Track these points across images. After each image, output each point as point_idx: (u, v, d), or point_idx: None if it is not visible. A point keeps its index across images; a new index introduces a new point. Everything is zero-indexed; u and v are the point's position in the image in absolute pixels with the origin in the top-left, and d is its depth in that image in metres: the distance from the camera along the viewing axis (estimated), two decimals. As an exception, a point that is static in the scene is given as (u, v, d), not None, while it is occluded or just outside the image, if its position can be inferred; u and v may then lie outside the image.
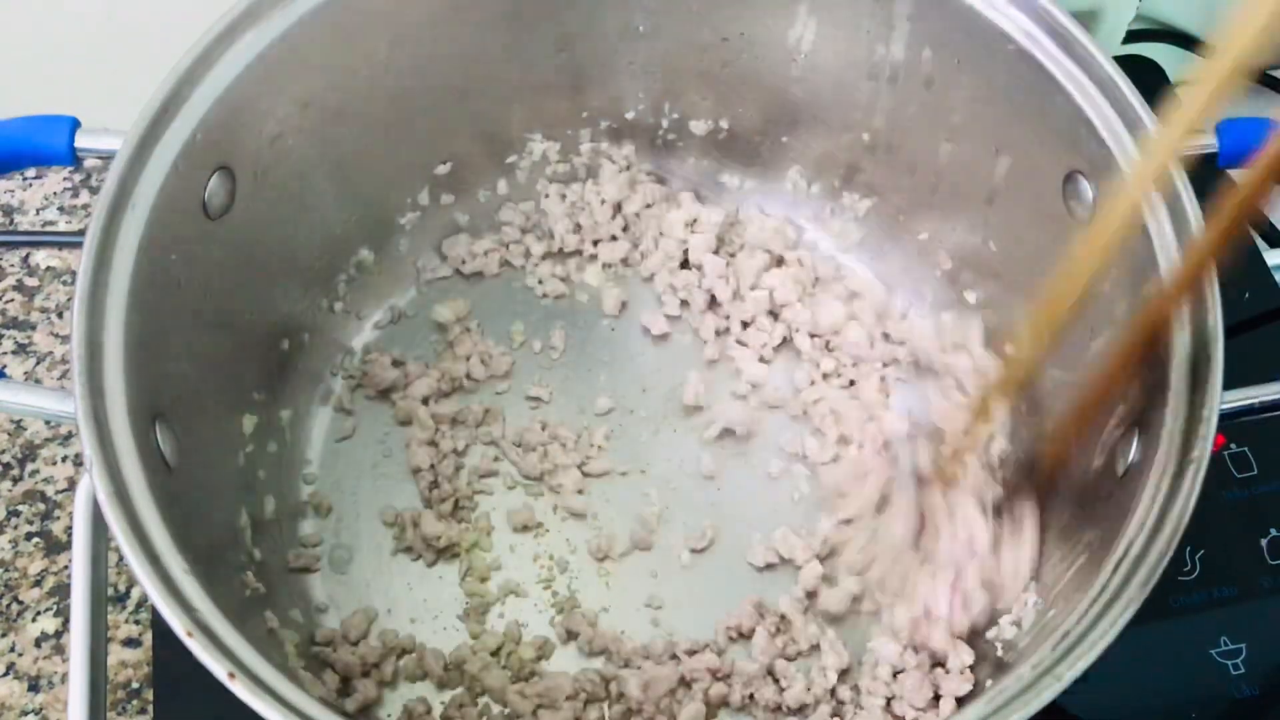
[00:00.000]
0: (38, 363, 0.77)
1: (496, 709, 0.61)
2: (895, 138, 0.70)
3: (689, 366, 0.72)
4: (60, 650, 0.67)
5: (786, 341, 0.73)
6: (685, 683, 0.62)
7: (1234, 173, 0.53)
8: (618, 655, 0.63)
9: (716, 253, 0.74)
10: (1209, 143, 0.59)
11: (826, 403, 0.71)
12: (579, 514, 0.67)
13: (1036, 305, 0.55)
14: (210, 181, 0.57)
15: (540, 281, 0.75)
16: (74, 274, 0.61)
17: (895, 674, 0.61)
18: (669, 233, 0.75)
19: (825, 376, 0.71)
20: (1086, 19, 0.80)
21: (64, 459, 0.73)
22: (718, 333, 0.73)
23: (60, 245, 0.80)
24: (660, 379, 0.72)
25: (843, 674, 0.62)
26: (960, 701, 0.60)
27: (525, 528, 0.67)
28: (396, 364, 0.71)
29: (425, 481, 0.68)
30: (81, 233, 0.52)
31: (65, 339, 0.77)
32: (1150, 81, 0.84)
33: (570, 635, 0.64)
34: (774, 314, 0.73)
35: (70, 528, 0.69)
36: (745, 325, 0.73)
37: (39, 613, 0.68)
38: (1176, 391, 0.51)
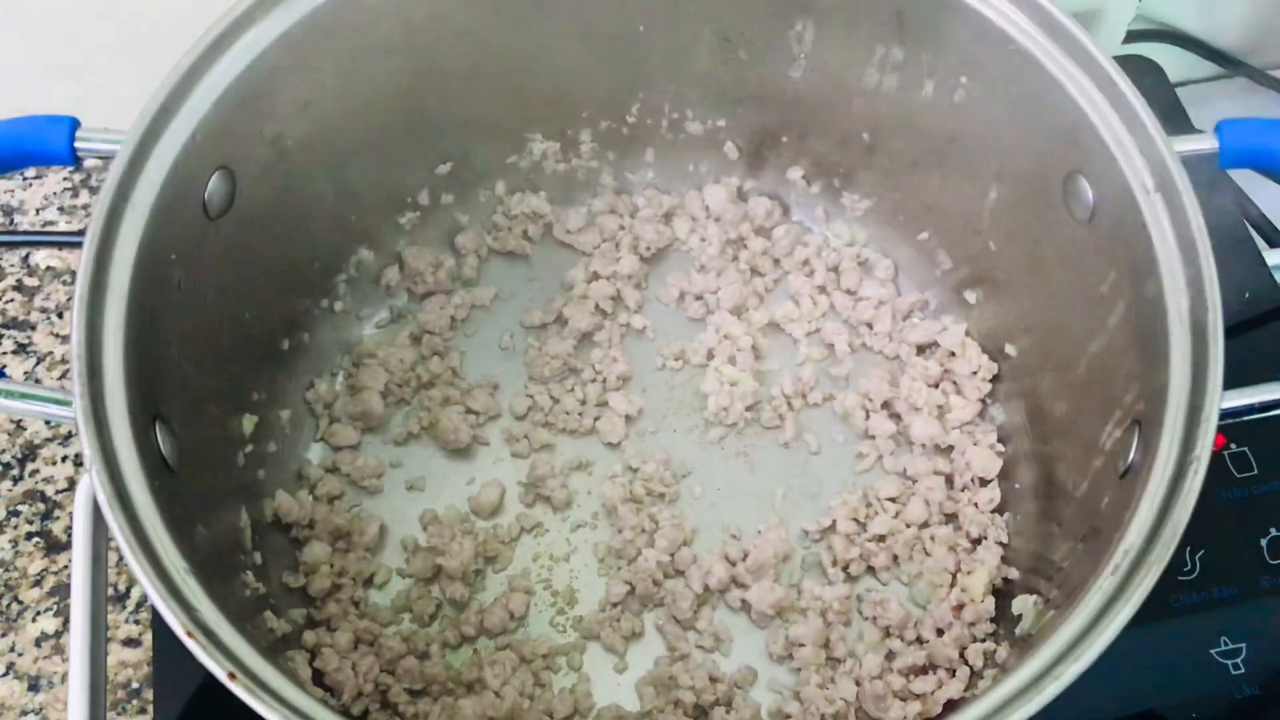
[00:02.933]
0: (38, 363, 0.77)
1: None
2: (895, 138, 0.70)
3: (693, 368, 0.73)
4: (60, 650, 0.67)
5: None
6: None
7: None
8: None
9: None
10: (1209, 142, 0.59)
11: (831, 404, 0.71)
12: (579, 514, 0.68)
13: None
14: (210, 181, 0.57)
15: (541, 284, 0.75)
16: (74, 274, 0.61)
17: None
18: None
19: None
20: (1086, 19, 0.80)
21: (64, 459, 0.73)
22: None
23: (60, 245, 0.80)
24: (663, 380, 0.72)
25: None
26: (961, 702, 0.60)
27: (524, 529, 0.67)
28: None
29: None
30: (81, 233, 0.52)
31: (65, 339, 0.77)
32: (1150, 81, 0.84)
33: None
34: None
35: (70, 528, 0.70)
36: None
37: (39, 613, 0.68)
38: (1176, 391, 0.51)
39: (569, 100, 0.72)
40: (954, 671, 0.61)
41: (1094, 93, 0.57)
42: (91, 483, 0.48)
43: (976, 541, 0.66)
